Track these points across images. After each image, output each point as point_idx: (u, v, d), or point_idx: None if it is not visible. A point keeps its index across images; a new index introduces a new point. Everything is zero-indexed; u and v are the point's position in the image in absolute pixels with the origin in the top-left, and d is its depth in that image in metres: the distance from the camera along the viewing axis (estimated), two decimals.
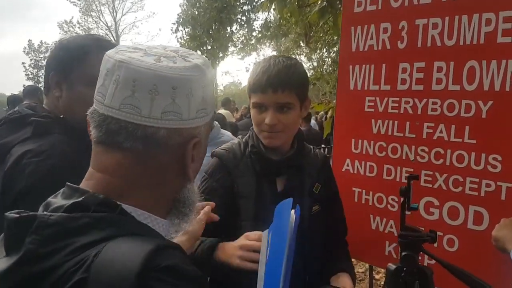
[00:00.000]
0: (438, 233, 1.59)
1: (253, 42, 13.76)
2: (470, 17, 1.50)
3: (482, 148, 1.48)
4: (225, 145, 1.42)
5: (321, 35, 8.71)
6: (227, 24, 11.95)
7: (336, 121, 1.97)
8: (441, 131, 1.57)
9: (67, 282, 0.52)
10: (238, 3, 11.36)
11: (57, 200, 0.63)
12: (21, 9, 65.29)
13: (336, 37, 7.85)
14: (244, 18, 12.04)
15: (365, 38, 1.80)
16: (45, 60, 1.29)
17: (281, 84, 1.23)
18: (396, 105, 1.69)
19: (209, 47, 12.36)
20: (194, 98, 0.64)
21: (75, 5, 27.81)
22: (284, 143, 1.34)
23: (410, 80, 1.65)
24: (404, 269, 1.17)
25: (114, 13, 29.80)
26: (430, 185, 1.60)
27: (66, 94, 1.18)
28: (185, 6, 12.85)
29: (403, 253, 1.18)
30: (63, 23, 28.57)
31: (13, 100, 5.30)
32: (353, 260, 1.58)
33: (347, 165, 1.91)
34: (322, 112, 5.79)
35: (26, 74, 28.16)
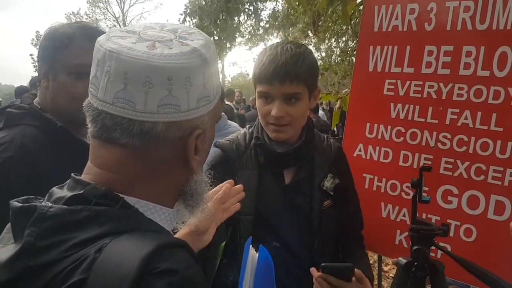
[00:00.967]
0: (455, 222, 1.56)
1: (260, 32, 13.63)
2: (506, 1, 1.44)
3: (509, 136, 1.43)
4: (231, 135, 1.35)
5: (330, 24, 8.60)
6: (235, 14, 11.82)
7: (350, 104, 1.90)
8: (466, 118, 1.51)
9: (66, 281, 0.50)
10: None
11: (61, 191, 0.61)
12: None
13: (345, 27, 7.78)
14: (251, 8, 11.92)
15: (390, 18, 1.73)
16: None
17: (288, 75, 1.14)
18: (419, 89, 1.63)
19: (216, 38, 12.24)
20: (193, 87, 0.59)
21: None
22: (291, 136, 1.25)
23: (436, 63, 1.59)
24: (415, 263, 1.13)
25: (122, 4, 29.76)
26: (450, 173, 1.55)
27: (52, 84, 1.13)
28: None
29: (414, 248, 1.13)
30: (70, 14, 28.42)
31: (20, 91, 5.22)
32: None
33: (359, 150, 1.84)
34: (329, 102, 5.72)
35: (34, 66, 28.00)
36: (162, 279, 0.49)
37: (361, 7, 2.43)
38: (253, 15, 12.27)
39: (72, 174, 0.62)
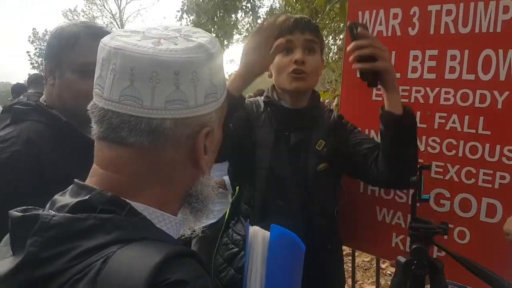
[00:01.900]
0: (449, 225, 1.57)
1: None
2: (487, 4, 1.43)
3: (497, 140, 1.42)
4: (252, 98, 1.51)
5: (327, 22, 8.55)
6: (232, 11, 11.81)
7: (342, 110, 1.91)
8: (453, 122, 1.51)
9: None
10: None
11: (64, 198, 0.59)
12: None
13: (342, 24, 7.73)
14: (249, 5, 11.90)
15: (374, 23, 1.73)
16: None
17: (307, 25, 1.35)
18: (406, 94, 1.63)
19: (213, 35, 12.23)
20: (200, 82, 0.58)
21: None
22: (305, 92, 1.40)
23: (421, 68, 1.59)
24: (415, 262, 1.14)
25: (119, 1, 29.69)
26: (441, 177, 1.55)
27: (58, 82, 1.17)
28: None
29: (413, 246, 1.14)
30: (67, 11, 28.51)
31: (17, 89, 5.24)
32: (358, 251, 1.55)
33: None
34: (328, 101, 5.71)
35: (31, 63, 28.02)
36: None
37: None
38: (250, 12, 12.25)
39: (76, 180, 0.61)
